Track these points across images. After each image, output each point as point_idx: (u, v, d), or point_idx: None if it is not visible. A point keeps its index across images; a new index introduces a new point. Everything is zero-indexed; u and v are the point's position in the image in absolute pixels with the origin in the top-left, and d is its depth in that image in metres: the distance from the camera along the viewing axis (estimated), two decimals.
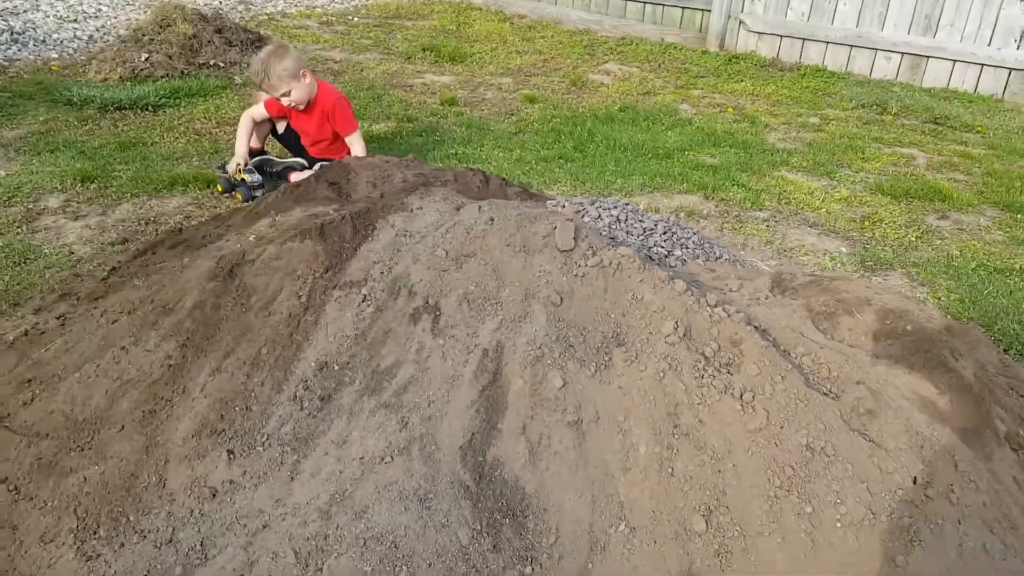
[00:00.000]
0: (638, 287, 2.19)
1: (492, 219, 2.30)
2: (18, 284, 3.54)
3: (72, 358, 2.55)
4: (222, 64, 6.68)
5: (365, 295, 2.32)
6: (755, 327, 2.22)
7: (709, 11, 8.34)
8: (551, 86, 7.12)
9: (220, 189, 4.41)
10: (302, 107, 4.48)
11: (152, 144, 5.22)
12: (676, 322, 2.14)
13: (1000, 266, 3.95)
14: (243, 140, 4.60)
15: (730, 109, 6.54)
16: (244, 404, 2.20)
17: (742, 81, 7.41)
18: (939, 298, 3.58)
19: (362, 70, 7.19)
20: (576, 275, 2.21)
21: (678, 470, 1.94)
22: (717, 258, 3.39)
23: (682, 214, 4.32)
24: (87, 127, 5.42)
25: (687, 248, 3.33)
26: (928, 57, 7.29)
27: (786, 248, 3.99)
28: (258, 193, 4.38)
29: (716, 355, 2.12)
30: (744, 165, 5.22)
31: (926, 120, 6.45)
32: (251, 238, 2.64)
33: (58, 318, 3.17)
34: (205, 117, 5.74)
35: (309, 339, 2.29)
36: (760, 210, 4.50)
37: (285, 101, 4.41)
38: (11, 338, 3.09)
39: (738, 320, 2.17)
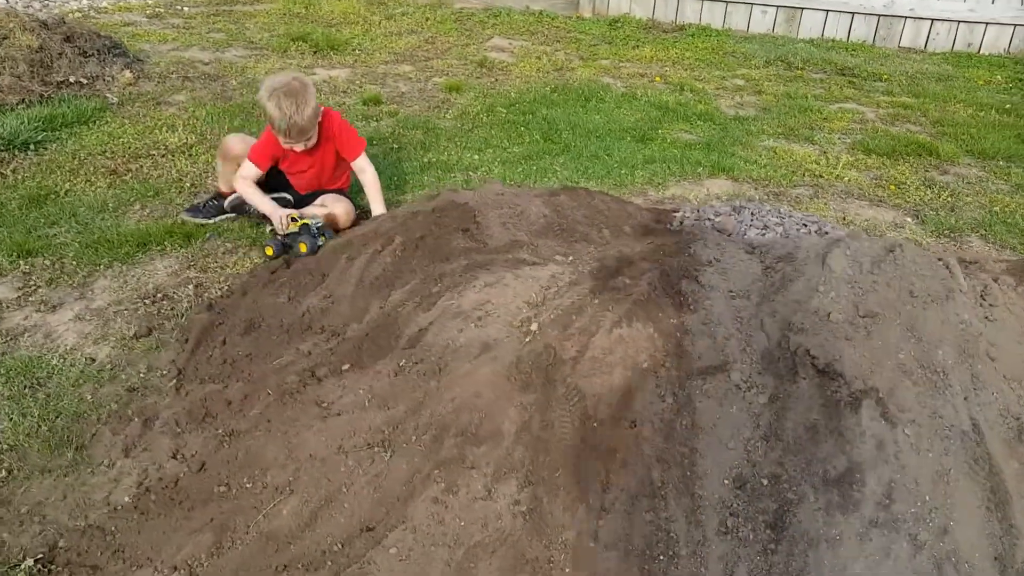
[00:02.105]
0: None
1: (877, 264, 1.96)
2: (57, 416, 2.67)
3: (340, 523, 1.91)
4: (84, 80, 5.53)
5: (742, 382, 1.91)
6: None
7: None
8: (457, 70, 6.61)
9: (271, 252, 3.52)
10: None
11: (68, 194, 4.19)
12: None
13: None
14: (262, 197, 3.73)
15: (657, 78, 6.40)
16: (667, 550, 1.74)
17: (638, 47, 7.30)
18: None
19: (243, 71, 6.26)
20: (990, 319, 1.95)
21: None
22: None
23: (738, 201, 4.12)
24: None
25: None
26: (802, 9, 7.56)
27: (864, 227, 3.92)
28: (321, 241, 3.48)
29: None
30: (728, 139, 5.11)
31: (833, 73, 6.69)
32: (525, 323, 2.10)
33: (175, 456, 2.45)
34: (107, 151, 4.71)
35: (697, 449, 1.85)
36: (796, 186, 4.41)
37: (301, 148, 3.66)
38: (129, 500, 2.33)
39: None
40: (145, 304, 3.31)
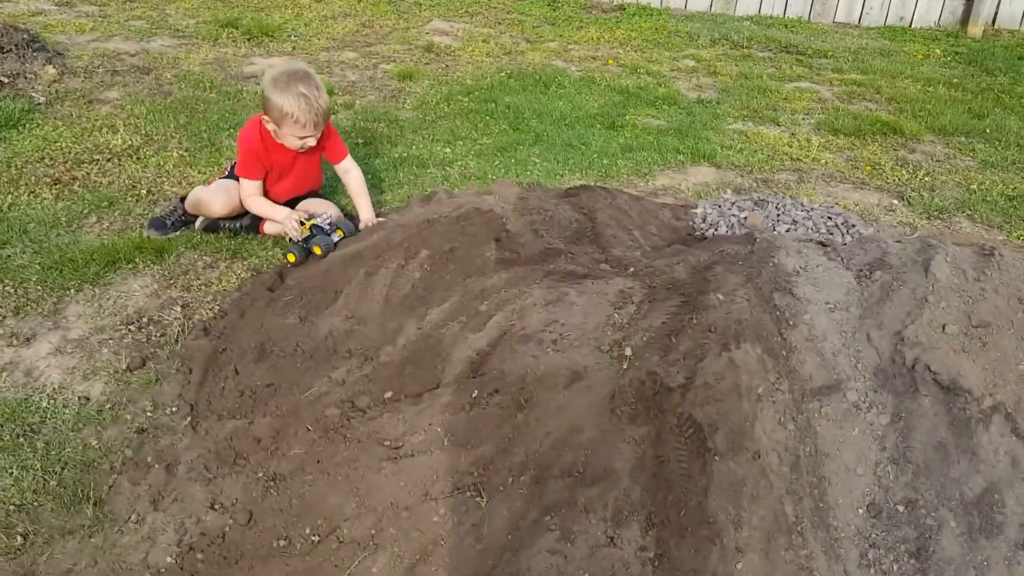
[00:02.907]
0: None
1: (981, 271, 1.91)
2: (64, 467, 2.41)
3: None
4: (4, 79, 5.05)
5: (860, 401, 1.84)
6: None
7: None
8: (404, 56, 6.35)
9: (293, 259, 3.26)
10: None
11: (12, 208, 3.80)
12: None
13: (1011, 193, 4.23)
14: (271, 206, 3.47)
15: (610, 61, 6.30)
16: None
17: (583, 28, 7.18)
18: (1020, 237, 3.75)
19: (176, 63, 5.85)
20: None
21: None
22: None
23: (728, 191, 4.07)
24: None
25: None
26: None
27: (857, 211, 3.92)
28: (337, 237, 3.25)
29: None
30: (697, 123, 5.06)
31: (778, 51, 6.73)
32: (615, 347, 1.97)
33: (214, 507, 2.24)
34: (45, 157, 4.30)
35: (826, 477, 1.77)
36: (778, 171, 4.40)
37: (313, 142, 3.39)
38: (172, 560, 2.12)
39: None
40: (130, 331, 3.03)
